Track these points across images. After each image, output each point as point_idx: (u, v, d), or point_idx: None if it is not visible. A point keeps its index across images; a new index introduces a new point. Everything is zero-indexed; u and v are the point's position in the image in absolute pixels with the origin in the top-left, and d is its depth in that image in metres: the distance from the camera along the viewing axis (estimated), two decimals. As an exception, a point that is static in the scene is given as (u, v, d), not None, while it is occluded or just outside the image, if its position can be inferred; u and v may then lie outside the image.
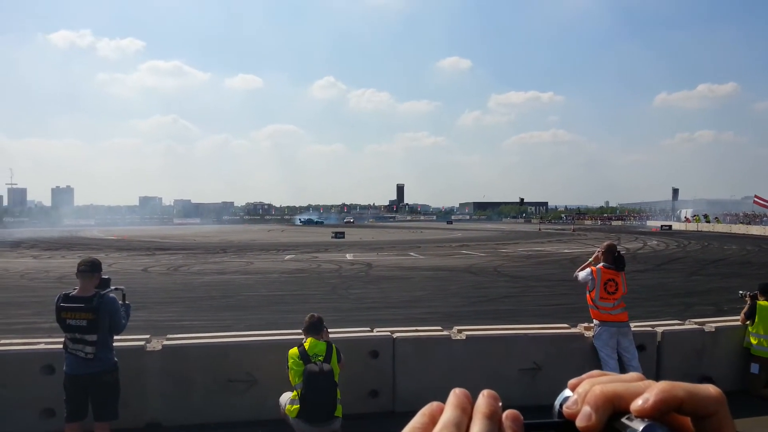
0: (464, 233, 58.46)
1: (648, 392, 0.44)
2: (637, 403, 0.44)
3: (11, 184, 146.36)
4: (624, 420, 0.44)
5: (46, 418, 5.56)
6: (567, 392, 0.49)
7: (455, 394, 0.49)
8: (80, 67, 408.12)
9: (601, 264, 6.62)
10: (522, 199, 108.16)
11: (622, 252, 6.88)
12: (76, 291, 4.86)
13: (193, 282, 17.97)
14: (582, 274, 6.72)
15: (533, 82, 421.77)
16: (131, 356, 5.73)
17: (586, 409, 0.46)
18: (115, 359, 5.02)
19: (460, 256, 28.10)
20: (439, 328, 6.88)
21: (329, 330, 5.61)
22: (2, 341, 6.27)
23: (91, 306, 4.75)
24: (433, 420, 0.48)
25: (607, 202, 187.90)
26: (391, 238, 49.12)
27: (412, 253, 29.95)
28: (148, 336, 6.31)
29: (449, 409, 0.48)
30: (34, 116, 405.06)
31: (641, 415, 0.43)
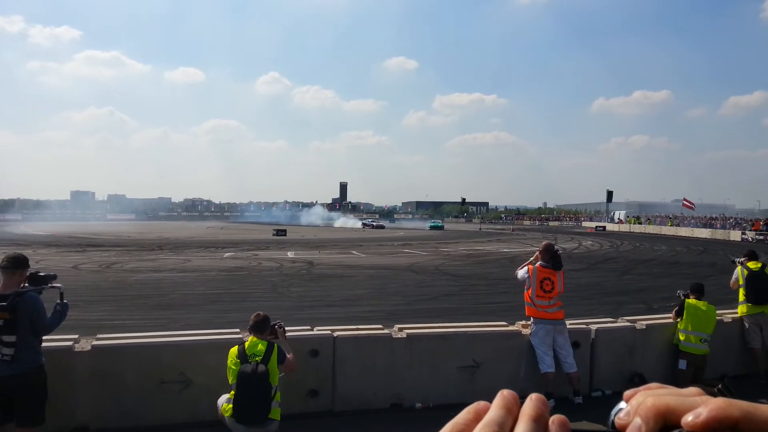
0: (406, 232, 58.87)
1: (702, 408, 0.43)
2: (688, 419, 0.43)
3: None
4: None
5: (-37, 424, 5.23)
6: (622, 404, 0.49)
7: (502, 395, 0.49)
8: (9, 54, 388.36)
9: (539, 263, 6.75)
10: (464, 199, 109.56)
11: (559, 252, 7.04)
12: (-4, 289, 4.58)
13: (126, 280, 17.35)
14: (520, 273, 6.84)
15: (478, 85, 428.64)
16: (58, 357, 5.47)
17: (637, 420, 0.45)
18: (41, 361, 4.75)
19: (402, 255, 28.26)
20: (380, 326, 6.87)
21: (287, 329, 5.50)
22: None
23: (8, 305, 4.48)
24: (478, 418, 0.48)
25: (545, 203, 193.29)
26: (333, 236, 48.93)
27: (354, 252, 29.91)
28: (76, 336, 6.03)
29: (495, 409, 0.48)
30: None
31: (693, 429, 0.42)
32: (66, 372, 5.54)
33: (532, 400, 0.48)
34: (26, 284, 4.70)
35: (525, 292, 6.73)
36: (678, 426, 0.43)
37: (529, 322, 6.77)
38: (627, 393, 0.49)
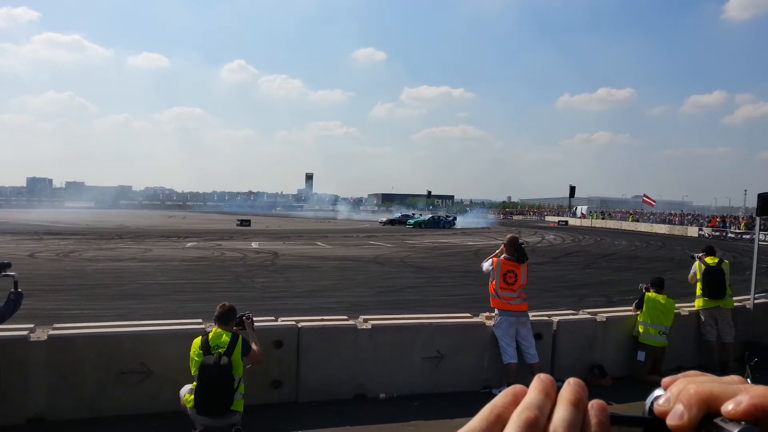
0: (371, 224, 58.85)
1: (742, 395, 0.43)
2: (729, 407, 0.42)
3: None
4: (717, 421, 0.43)
5: None
6: (659, 391, 0.48)
7: (540, 379, 0.49)
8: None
9: (503, 256, 6.82)
10: (429, 192, 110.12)
11: (523, 245, 7.12)
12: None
13: (85, 269, 16.94)
14: (485, 265, 6.90)
15: (445, 78, 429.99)
16: (13, 347, 5.34)
17: (679, 407, 0.44)
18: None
19: (368, 246, 28.26)
20: (345, 317, 6.85)
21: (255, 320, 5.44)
22: None
23: None
24: (516, 401, 0.47)
25: (510, 198, 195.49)
26: (298, 227, 48.65)
27: (319, 243, 29.79)
28: (32, 325, 5.85)
29: (533, 392, 0.47)
30: None
31: (733, 417, 0.42)
32: (20, 362, 5.40)
33: (570, 385, 0.47)
34: None
35: (489, 284, 6.79)
36: (719, 414, 0.43)
37: (493, 314, 6.83)
38: (665, 380, 0.48)
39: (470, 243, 31.91)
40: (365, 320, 6.64)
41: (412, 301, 12.76)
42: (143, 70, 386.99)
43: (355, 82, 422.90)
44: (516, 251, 6.86)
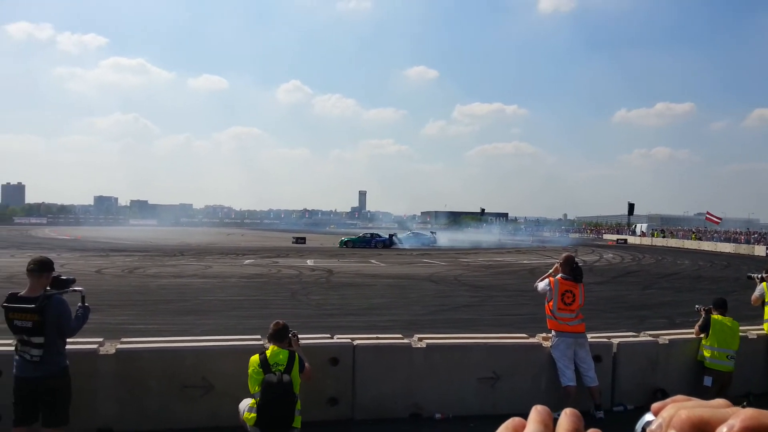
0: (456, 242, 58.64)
1: (734, 419, 0.44)
2: (723, 430, 0.44)
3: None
4: None
5: (-10, 423, 5.34)
6: (649, 416, 0.49)
7: (537, 411, 0.51)
8: (38, 60, 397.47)
9: (560, 275, 6.71)
10: (483, 210, 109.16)
11: (579, 264, 7.00)
12: (24, 291, 4.68)
13: (148, 285, 17.56)
14: (541, 285, 6.80)
15: (498, 95, 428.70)
16: (83, 360, 5.55)
17: None
18: (66, 363, 4.83)
19: (421, 264, 28.21)
20: (400, 336, 6.88)
21: (300, 337, 5.54)
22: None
23: (36, 307, 4.56)
24: None
25: (566, 215, 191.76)
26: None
27: (373, 261, 29.92)
28: (101, 339, 6.12)
29: (532, 424, 0.49)
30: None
31: None
32: (90, 374, 5.62)
33: (567, 415, 0.49)
34: (49, 287, 4.78)
35: (546, 304, 6.69)
36: None
37: (550, 335, 6.73)
38: (655, 405, 0.49)
39: (525, 262, 31.42)
40: (420, 339, 6.65)
41: (467, 320, 12.65)
42: (203, 91, 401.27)
43: (407, 100, 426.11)
44: (573, 271, 6.75)
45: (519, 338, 7.13)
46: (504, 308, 14.64)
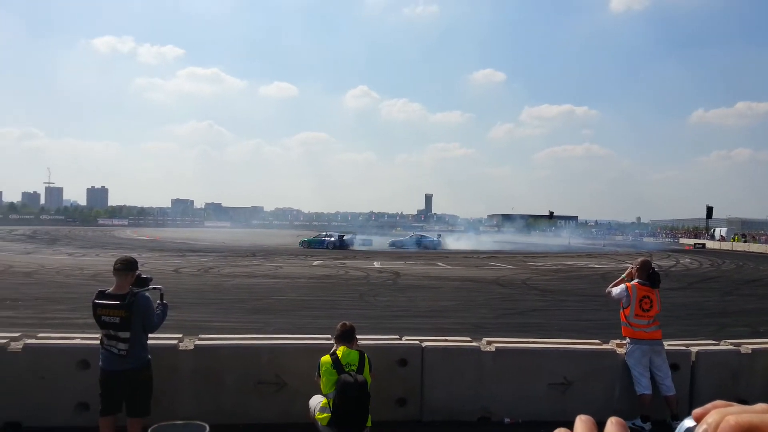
0: (491, 245, 58.05)
1: None
2: None
3: (48, 183, 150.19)
4: None
5: (81, 412, 5.68)
6: (689, 422, 0.49)
7: (581, 420, 0.52)
8: (121, 71, 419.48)
9: (636, 280, 6.52)
10: (551, 213, 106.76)
11: (655, 269, 6.77)
12: (111, 288, 4.97)
13: (223, 284, 18.20)
14: (616, 291, 6.62)
15: (568, 96, 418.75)
16: (164, 354, 5.81)
17: None
18: (149, 357, 5.10)
19: (488, 267, 27.92)
20: (468, 338, 6.85)
21: (358, 337, 5.62)
22: (40, 335, 6.43)
23: (124, 304, 4.84)
24: None
25: (639, 218, 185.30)
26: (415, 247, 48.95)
27: (439, 263, 29.85)
28: (180, 335, 6.40)
29: None
30: (73, 117, 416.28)
31: None
32: (170, 369, 5.88)
33: (612, 424, 0.49)
34: (132, 285, 5.06)
35: (621, 311, 6.50)
36: None
37: (624, 342, 6.54)
38: (696, 411, 0.49)
39: (597, 266, 30.55)
40: (489, 342, 6.61)
41: (536, 324, 12.45)
42: (274, 98, 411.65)
43: (474, 103, 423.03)
44: (649, 276, 6.54)
45: (592, 344, 6.96)
46: (574, 313, 14.32)
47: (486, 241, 58.61)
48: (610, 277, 18.04)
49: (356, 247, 44.60)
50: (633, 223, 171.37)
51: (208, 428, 4.48)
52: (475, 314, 13.62)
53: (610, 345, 6.86)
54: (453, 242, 51.51)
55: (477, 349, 6.42)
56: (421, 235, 50.02)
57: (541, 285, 20.36)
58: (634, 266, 6.68)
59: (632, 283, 6.51)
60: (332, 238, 43.95)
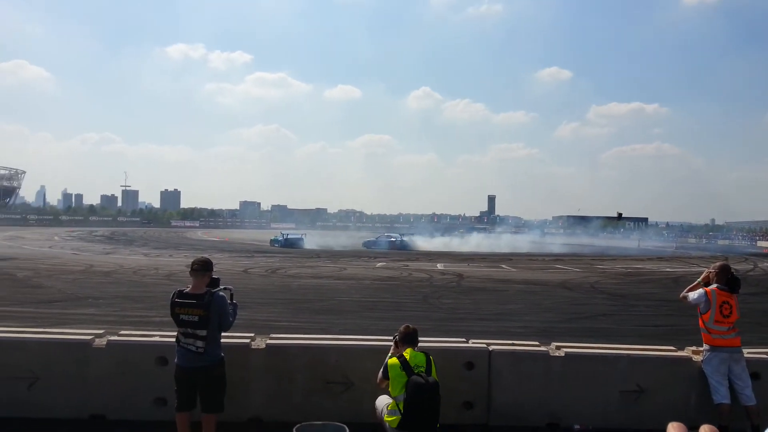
0: (556, 248, 56.89)
1: None
2: None
3: (125, 186, 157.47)
4: None
5: (159, 407, 5.94)
6: None
7: (673, 427, 0.53)
8: (192, 78, 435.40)
9: (715, 285, 6.27)
10: (620, 214, 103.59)
11: (734, 273, 6.49)
12: (189, 288, 5.18)
13: (290, 284, 18.61)
14: (693, 296, 6.37)
15: (637, 94, 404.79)
16: (237, 352, 5.99)
17: None
18: (222, 354, 5.30)
19: (554, 270, 27.39)
20: (537, 343, 6.76)
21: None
22: (122, 332, 6.77)
23: (202, 303, 5.05)
24: None
25: (713, 220, 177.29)
26: (481, 249, 48.55)
27: (503, 266, 29.50)
28: (252, 334, 6.60)
29: None
30: (148, 123, 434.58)
31: None
32: (243, 366, 6.06)
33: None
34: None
35: (699, 316, 6.26)
36: None
37: (701, 348, 6.31)
38: None
39: (668, 269, 29.45)
40: (558, 347, 6.51)
41: (606, 329, 12.13)
42: (338, 101, 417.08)
43: (538, 103, 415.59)
44: (729, 280, 6.28)
45: (666, 350, 6.73)
46: (645, 318, 13.86)
47: (490, 243, 57.75)
48: (683, 282, 17.37)
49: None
50: (706, 225, 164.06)
51: (347, 429, 4.57)
52: (541, 318, 13.40)
53: (686, 352, 6.63)
54: (423, 243, 52.62)
55: (546, 354, 6.33)
56: (388, 235, 53.46)
57: (609, 289, 19.82)
58: (711, 270, 6.43)
59: (711, 288, 6.26)
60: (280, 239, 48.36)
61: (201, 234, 73.24)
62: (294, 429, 4.05)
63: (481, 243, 57.68)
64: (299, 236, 50.03)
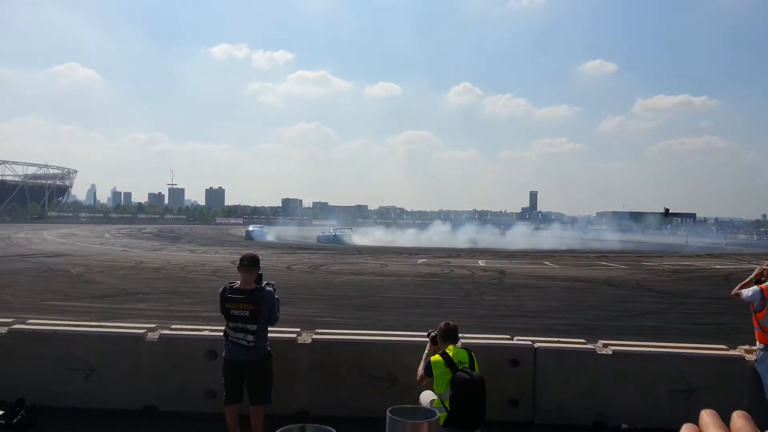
0: (602, 244, 55.84)
1: None
2: None
3: (172, 184, 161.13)
4: None
5: (209, 399, 6.10)
6: None
7: (708, 414, 0.54)
8: (236, 77, 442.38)
9: (768, 283, 6.08)
10: (667, 210, 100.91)
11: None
12: (239, 284, 5.30)
13: (332, 281, 18.79)
14: (747, 293, 6.18)
15: (685, 86, 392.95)
16: (284, 347, 6.11)
17: None
18: (269, 348, 5.41)
19: (599, 267, 26.90)
20: (583, 340, 6.69)
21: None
22: (173, 326, 6.98)
23: (253, 298, 5.17)
24: None
25: (765, 215, 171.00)
26: (522, 246, 48.01)
27: (546, 263, 29.13)
28: (298, 329, 6.71)
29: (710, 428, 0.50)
30: (194, 123, 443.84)
31: None
32: (289, 361, 6.18)
33: (739, 418, 0.49)
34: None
35: (753, 315, 6.08)
36: None
37: (754, 348, 6.13)
38: None
39: (718, 266, 28.60)
40: (605, 345, 6.43)
41: (653, 327, 11.88)
42: (378, 98, 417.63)
43: (582, 97, 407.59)
44: (783, 278, 6.08)
45: (717, 349, 6.58)
46: (695, 316, 13.51)
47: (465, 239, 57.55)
48: (733, 279, 16.88)
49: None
50: (757, 220, 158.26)
51: (437, 413, 4.39)
52: (586, 316, 13.20)
53: (738, 351, 6.46)
54: (359, 238, 55.34)
55: (593, 352, 6.26)
56: (335, 229, 58.28)
57: (657, 286, 19.37)
58: (765, 267, 6.24)
59: (766, 284, 6.07)
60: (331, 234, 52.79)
61: (244, 231, 74.36)
62: (387, 411, 4.07)
63: (517, 239, 57.06)
64: (344, 232, 54.12)
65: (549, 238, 59.84)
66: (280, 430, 4.12)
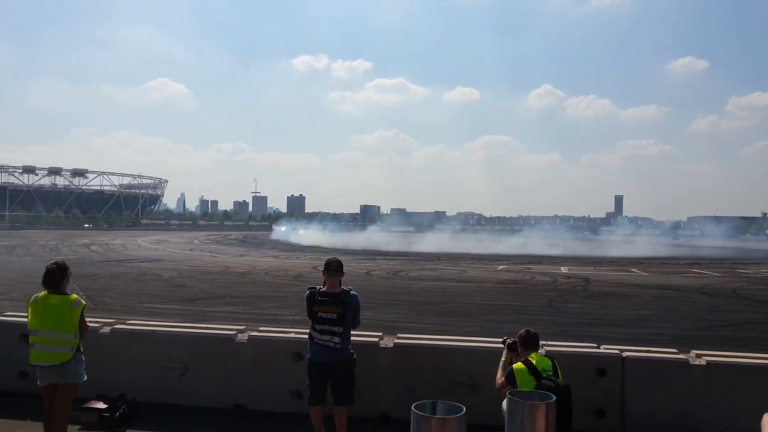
0: (692, 250, 53.11)
1: None
2: None
3: (255, 192, 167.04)
4: None
5: (295, 399, 6.29)
6: None
7: None
8: (316, 87, 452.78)
9: None
10: (765, 214, 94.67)
11: None
12: (325, 288, 5.46)
13: (411, 287, 18.87)
14: None
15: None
16: (366, 350, 6.19)
17: None
18: (352, 351, 5.53)
19: (690, 275, 25.63)
20: (675, 350, 6.42)
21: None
22: (261, 328, 7.24)
23: (340, 301, 5.32)
24: None
25: None
26: (608, 253, 46.38)
27: (633, 270, 28.03)
28: (380, 333, 6.80)
29: None
30: (276, 133, 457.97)
31: None
32: (372, 364, 6.25)
33: None
34: None
35: None
36: None
37: None
38: None
39: (827, 275, 26.57)
40: (698, 355, 6.14)
41: (750, 338, 11.23)
42: (456, 103, 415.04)
43: (671, 96, 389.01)
44: None
45: (824, 363, 6.14)
46: (799, 328, 12.64)
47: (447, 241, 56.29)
48: None
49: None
50: None
51: (464, 409, 4.27)
52: (677, 325, 12.63)
53: None
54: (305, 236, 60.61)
55: (685, 362, 5.99)
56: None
57: (754, 295, 18.27)
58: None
59: None
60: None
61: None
62: (413, 407, 4.09)
63: (603, 245, 55.10)
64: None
65: (640, 244, 57.52)
66: (415, 404, 4.16)
